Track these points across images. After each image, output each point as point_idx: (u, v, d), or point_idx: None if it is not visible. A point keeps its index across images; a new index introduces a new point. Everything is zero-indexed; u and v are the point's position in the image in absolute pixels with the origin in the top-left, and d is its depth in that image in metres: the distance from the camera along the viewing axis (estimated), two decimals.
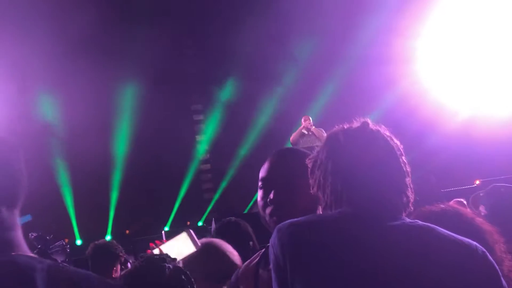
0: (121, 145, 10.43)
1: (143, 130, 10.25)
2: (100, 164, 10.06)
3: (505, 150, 8.89)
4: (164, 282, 1.71)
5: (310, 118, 8.27)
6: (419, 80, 10.54)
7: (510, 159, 8.60)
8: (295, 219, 1.30)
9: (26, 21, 8.68)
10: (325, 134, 2.18)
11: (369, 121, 1.43)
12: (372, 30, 9.85)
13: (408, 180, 1.38)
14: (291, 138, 8.26)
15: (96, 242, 3.84)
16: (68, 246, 6.00)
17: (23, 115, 8.95)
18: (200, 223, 10.54)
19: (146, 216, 10.57)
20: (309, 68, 10.29)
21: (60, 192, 9.88)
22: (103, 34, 9.52)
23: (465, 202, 3.75)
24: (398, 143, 1.42)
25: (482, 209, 2.65)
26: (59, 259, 4.94)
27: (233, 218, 3.27)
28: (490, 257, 1.25)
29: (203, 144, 11.94)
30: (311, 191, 1.44)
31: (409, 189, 1.37)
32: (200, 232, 2.21)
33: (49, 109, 9.72)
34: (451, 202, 2.26)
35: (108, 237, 9.91)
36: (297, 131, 8.24)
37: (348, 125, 1.45)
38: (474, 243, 1.27)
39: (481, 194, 2.97)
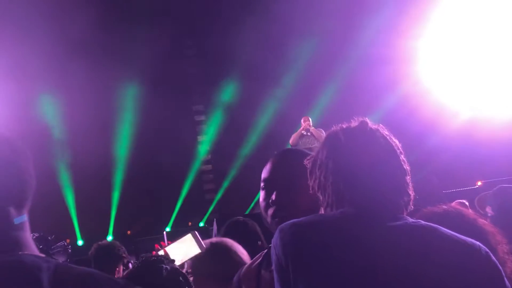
0: (122, 146, 10.44)
1: (144, 131, 10.26)
2: (101, 165, 10.07)
3: (507, 151, 8.88)
4: (161, 283, 1.71)
5: (310, 119, 8.27)
6: (421, 81, 10.54)
7: None
8: (297, 220, 1.30)
9: (26, 22, 8.68)
10: (324, 135, 2.18)
11: (367, 120, 1.43)
12: (373, 30, 9.85)
13: (408, 178, 1.37)
14: (290, 140, 8.25)
15: (99, 242, 3.84)
16: (70, 246, 6.00)
17: (23, 116, 8.95)
18: (201, 224, 10.54)
19: (148, 217, 10.58)
20: (310, 69, 10.28)
21: (62, 193, 9.90)
22: (103, 35, 9.53)
23: (467, 203, 3.75)
24: (397, 141, 1.41)
25: (488, 210, 2.65)
26: (61, 259, 4.94)
27: (241, 218, 3.27)
28: (493, 257, 1.24)
29: (204, 144, 11.94)
30: (311, 191, 1.43)
31: (409, 187, 1.36)
32: (202, 233, 2.21)
33: (50, 109, 9.73)
34: (453, 203, 2.26)
35: (109, 238, 9.92)
36: (297, 132, 8.24)
37: (347, 125, 1.45)
38: (478, 243, 1.26)
39: (487, 195, 2.97)
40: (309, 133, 8.11)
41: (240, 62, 10.55)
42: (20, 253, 1.03)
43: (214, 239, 2.27)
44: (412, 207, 1.36)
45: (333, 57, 10.19)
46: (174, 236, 2.10)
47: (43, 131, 9.62)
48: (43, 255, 1.05)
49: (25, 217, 1.05)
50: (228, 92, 11.34)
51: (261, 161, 1.84)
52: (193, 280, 2.16)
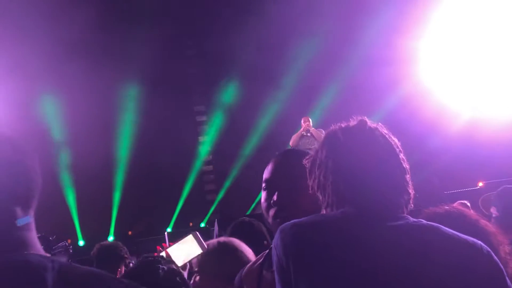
0: (123, 146, 10.45)
1: (145, 131, 10.27)
2: (102, 165, 10.08)
3: (508, 152, 8.87)
4: (158, 283, 1.72)
5: (310, 120, 8.26)
6: (422, 81, 10.53)
7: None
8: (297, 220, 1.30)
9: (27, 22, 8.68)
10: None
11: (366, 119, 1.43)
12: (374, 31, 9.84)
13: (408, 177, 1.37)
14: (291, 141, 8.23)
15: (102, 243, 3.85)
16: (71, 247, 6.01)
17: (24, 116, 8.95)
18: (202, 224, 10.54)
19: (149, 217, 10.58)
20: (311, 69, 10.28)
21: (63, 193, 9.90)
22: (104, 35, 9.54)
23: (468, 204, 3.75)
24: (396, 140, 1.41)
25: (493, 210, 2.66)
26: (62, 260, 4.95)
27: (246, 218, 3.28)
28: (495, 257, 1.24)
29: (205, 145, 11.94)
30: (310, 191, 1.43)
31: (409, 186, 1.36)
32: (203, 234, 2.22)
33: (50, 110, 9.74)
34: (455, 204, 2.26)
35: (110, 238, 9.92)
36: (297, 133, 8.23)
37: (346, 124, 1.45)
38: (479, 242, 1.26)
39: (491, 196, 2.98)
40: (309, 134, 8.09)
41: (241, 63, 10.55)
42: (25, 252, 1.03)
43: (221, 239, 2.27)
44: (412, 205, 1.36)
45: (334, 57, 10.19)
46: (175, 237, 2.10)
47: (43, 132, 9.62)
48: (48, 255, 1.05)
49: (29, 218, 1.06)
50: (229, 93, 11.34)
51: (262, 162, 1.84)
52: (200, 279, 2.17)
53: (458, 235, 1.27)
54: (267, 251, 1.71)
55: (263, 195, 1.72)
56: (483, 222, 1.77)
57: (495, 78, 10.40)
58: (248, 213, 9.56)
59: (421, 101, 10.17)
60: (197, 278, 2.20)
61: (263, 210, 1.71)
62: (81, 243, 10.04)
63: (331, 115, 9.48)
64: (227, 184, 11.33)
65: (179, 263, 2.01)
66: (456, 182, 8.60)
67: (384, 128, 1.43)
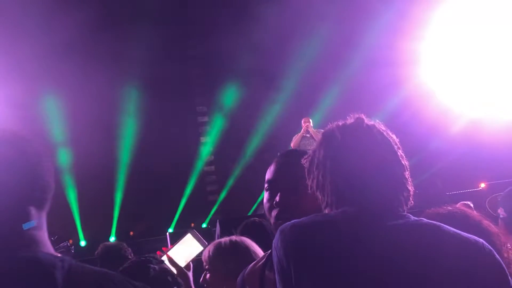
0: (125, 147, 10.45)
1: (147, 132, 10.26)
2: (104, 165, 10.08)
3: (511, 153, 8.85)
4: (148, 283, 1.72)
5: (311, 120, 8.25)
6: (424, 83, 10.52)
7: None
8: (297, 220, 1.29)
9: (27, 22, 8.69)
10: None
11: (363, 116, 1.42)
12: (376, 33, 9.84)
13: (407, 173, 1.36)
14: (292, 142, 8.22)
15: (106, 243, 3.89)
16: (73, 247, 6.02)
17: (24, 116, 8.95)
18: (204, 225, 10.53)
19: (150, 218, 10.58)
20: (313, 71, 10.27)
21: (65, 193, 9.90)
22: (105, 36, 9.53)
23: (471, 205, 3.74)
24: (394, 137, 1.41)
25: (501, 211, 2.65)
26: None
27: (257, 218, 3.29)
28: (497, 255, 1.24)
29: (207, 146, 11.94)
30: (310, 191, 1.42)
31: (408, 182, 1.36)
32: (204, 234, 2.22)
33: (52, 110, 9.74)
34: (458, 205, 2.26)
35: (112, 239, 9.93)
36: (298, 134, 8.22)
37: (343, 122, 1.44)
38: (481, 240, 1.26)
39: (499, 197, 2.97)
40: (308, 135, 8.09)
41: (242, 63, 10.55)
42: (36, 250, 1.05)
43: (233, 238, 2.28)
44: (413, 202, 1.36)
45: (335, 59, 10.18)
46: (177, 237, 2.10)
47: (44, 132, 9.63)
48: (58, 255, 1.07)
49: (33, 223, 1.07)
50: (230, 94, 11.34)
51: (264, 163, 1.84)
52: (210, 276, 2.18)
53: (459, 234, 1.26)
54: (270, 251, 1.71)
55: (265, 195, 1.71)
56: (486, 222, 1.77)
57: (497, 79, 10.38)
58: (249, 213, 9.56)
59: (423, 103, 10.16)
60: (208, 275, 2.21)
61: (266, 211, 1.71)
62: (82, 243, 10.05)
63: (332, 117, 9.43)
64: (229, 184, 11.33)
65: (182, 263, 2.01)
66: (458, 183, 8.59)
67: (382, 125, 1.42)
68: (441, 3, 10.08)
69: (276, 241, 1.29)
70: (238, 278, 1.79)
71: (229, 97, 11.39)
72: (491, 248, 1.25)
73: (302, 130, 8.16)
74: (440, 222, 1.29)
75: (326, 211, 1.37)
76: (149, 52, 9.76)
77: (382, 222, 1.27)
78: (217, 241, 2.29)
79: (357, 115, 1.43)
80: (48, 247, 1.09)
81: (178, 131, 10.78)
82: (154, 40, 9.87)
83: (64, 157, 9.83)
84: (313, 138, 7.91)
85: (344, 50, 10.17)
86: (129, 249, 3.80)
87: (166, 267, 1.98)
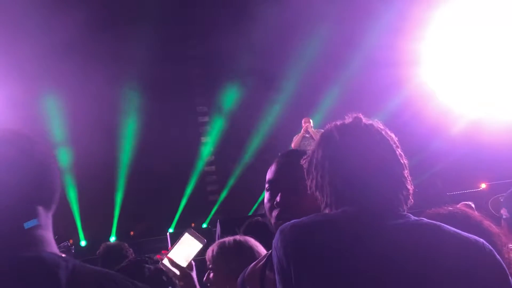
0: (125, 146, 10.45)
1: (148, 132, 10.27)
2: (104, 165, 10.09)
3: (511, 154, 8.85)
4: (143, 283, 1.72)
5: (311, 120, 8.25)
6: (425, 83, 10.52)
7: None
8: (297, 220, 1.29)
9: (27, 22, 8.70)
10: None
11: (361, 116, 1.42)
12: (376, 33, 9.83)
13: (406, 172, 1.35)
14: (293, 143, 8.22)
15: (108, 243, 3.90)
16: (73, 247, 6.03)
17: (24, 117, 8.96)
18: (204, 225, 10.53)
19: (151, 218, 10.58)
20: (314, 71, 10.27)
21: (65, 193, 9.90)
22: (106, 37, 9.54)
23: (473, 205, 3.75)
24: (393, 135, 1.40)
25: (504, 211, 2.65)
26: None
27: (260, 218, 3.29)
28: (497, 255, 1.23)
29: (208, 146, 11.94)
30: (309, 192, 1.42)
31: (407, 181, 1.35)
32: (205, 234, 2.22)
33: (53, 110, 9.75)
34: (459, 205, 2.26)
35: (112, 239, 9.93)
36: (299, 134, 8.23)
37: (340, 122, 1.44)
38: (481, 240, 1.25)
39: (501, 199, 2.97)
40: (307, 135, 8.10)
41: (243, 64, 10.56)
42: (41, 249, 1.05)
43: (237, 237, 2.28)
44: (412, 201, 1.35)
45: (336, 59, 10.18)
46: (177, 238, 2.09)
47: (45, 133, 9.63)
48: (63, 255, 1.07)
49: (35, 222, 1.07)
50: (231, 94, 11.35)
51: (265, 163, 1.84)
52: (214, 275, 2.17)
53: (460, 233, 1.26)
54: (270, 251, 1.70)
55: (266, 196, 1.71)
56: (487, 223, 1.76)
57: (498, 79, 10.38)
58: (250, 213, 9.56)
59: (423, 103, 10.16)
60: (211, 275, 2.21)
61: (266, 211, 1.70)
62: (83, 243, 10.05)
63: (333, 117, 9.44)
64: (229, 184, 11.33)
65: (184, 264, 2.00)
66: (459, 183, 8.59)
67: (380, 124, 1.41)
68: (442, 4, 10.07)
69: (276, 241, 1.28)
70: (238, 279, 1.79)
71: (229, 97, 11.40)
72: (492, 248, 1.24)
73: (302, 130, 8.16)
74: (441, 222, 1.29)
75: (326, 211, 1.37)
76: (149, 52, 9.76)
77: (382, 221, 1.26)
78: (221, 240, 2.29)
79: (355, 115, 1.42)
80: (52, 247, 1.09)
81: (179, 131, 10.78)
82: (154, 40, 9.88)
83: (65, 157, 9.83)
84: (312, 138, 7.90)
85: (344, 51, 10.17)
86: (131, 249, 3.81)
87: (161, 267, 1.97)
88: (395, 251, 1.20)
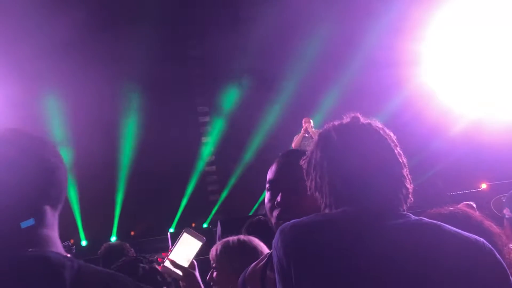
0: (126, 146, 10.45)
1: (149, 132, 10.27)
2: (105, 165, 10.09)
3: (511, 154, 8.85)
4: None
5: (311, 121, 8.26)
6: (425, 83, 10.51)
7: None
8: (297, 220, 1.28)
9: (27, 22, 8.70)
10: None
11: (359, 115, 1.41)
12: (376, 33, 9.83)
13: (405, 171, 1.35)
14: (293, 143, 8.22)
15: (109, 243, 3.89)
16: (74, 247, 6.02)
17: (25, 117, 8.95)
18: (205, 225, 10.53)
19: (151, 218, 10.58)
20: (314, 71, 10.27)
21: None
22: (106, 37, 9.54)
23: (474, 205, 3.75)
24: (391, 134, 1.40)
25: (506, 211, 2.66)
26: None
27: (261, 217, 3.29)
28: (497, 255, 1.23)
29: (208, 146, 11.94)
30: (309, 192, 1.42)
31: (407, 180, 1.35)
32: (205, 234, 2.22)
33: (53, 110, 9.74)
34: (460, 205, 2.26)
35: (113, 238, 9.93)
36: (299, 134, 8.23)
37: (338, 122, 1.44)
38: (482, 239, 1.25)
39: (503, 199, 2.98)
40: (307, 135, 8.10)
41: (244, 64, 10.55)
42: (46, 249, 1.05)
43: (241, 237, 2.28)
44: (412, 199, 1.34)
45: (336, 60, 10.18)
46: (177, 238, 2.09)
47: (45, 132, 9.62)
48: (68, 255, 1.07)
49: (32, 221, 1.07)
50: (232, 94, 11.35)
51: (265, 163, 1.84)
52: (217, 274, 2.18)
53: (460, 233, 1.25)
54: (271, 251, 1.70)
55: (266, 195, 1.71)
56: (488, 223, 1.76)
57: (498, 79, 10.37)
58: (250, 213, 9.56)
59: (424, 103, 10.16)
60: (215, 274, 2.21)
61: (267, 211, 1.70)
62: (83, 243, 10.05)
63: (334, 118, 9.42)
64: (230, 184, 11.33)
65: (185, 264, 2.00)
66: (459, 183, 8.59)
67: (378, 123, 1.41)
68: (442, 4, 10.07)
69: (276, 241, 1.28)
70: (239, 279, 1.79)
71: (229, 97, 11.39)
72: (492, 248, 1.24)
73: (303, 130, 8.17)
74: (442, 222, 1.28)
75: (326, 211, 1.37)
76: (149, 52, 9.76)
77: (382, 221, 1.26)
78: (225, 239, 2.29)
79: (352, 114, 1.42)
80: (58, 246, 1.09)
81: (179, 131, 10.78)
82: (154, 40, 9.87)
83: (65, 157, 9.81)
84: (313, 138, 7.91)
85: (344, 51, 10.16)
86: (132, 249, 3.80)
87: (156, 266, 1.97)
88: (395, 250, 1.19)
